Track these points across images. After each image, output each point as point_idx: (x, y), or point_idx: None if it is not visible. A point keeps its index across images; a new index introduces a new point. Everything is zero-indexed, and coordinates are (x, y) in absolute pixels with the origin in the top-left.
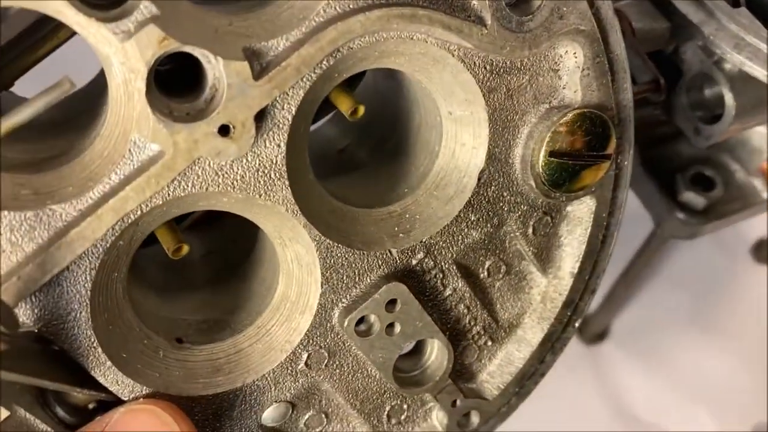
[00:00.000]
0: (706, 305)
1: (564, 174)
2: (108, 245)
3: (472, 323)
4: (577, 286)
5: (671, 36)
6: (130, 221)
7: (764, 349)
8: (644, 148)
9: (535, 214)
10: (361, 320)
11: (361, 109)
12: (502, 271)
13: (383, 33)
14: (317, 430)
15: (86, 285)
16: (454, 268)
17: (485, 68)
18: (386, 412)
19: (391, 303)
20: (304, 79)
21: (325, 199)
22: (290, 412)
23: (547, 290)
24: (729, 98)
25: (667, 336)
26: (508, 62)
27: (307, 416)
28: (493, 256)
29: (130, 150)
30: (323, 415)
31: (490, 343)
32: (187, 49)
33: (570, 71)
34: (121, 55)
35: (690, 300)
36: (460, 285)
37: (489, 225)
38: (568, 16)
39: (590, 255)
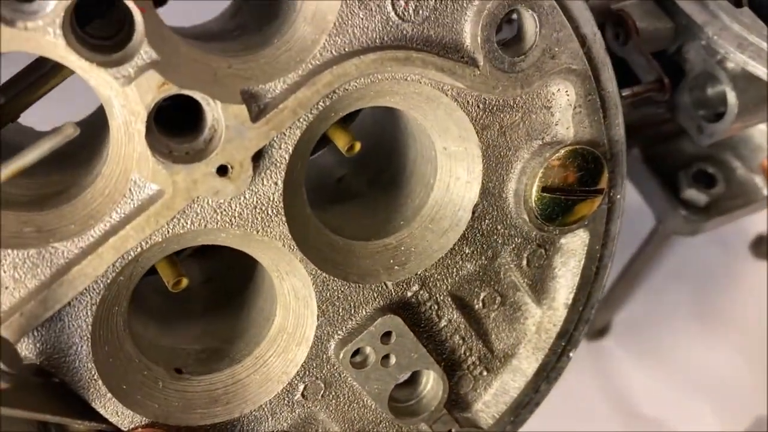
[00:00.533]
0: (706, 301)
1: (557, 209)
2: (109, 281)
3: (468, 354)
4: (571, 317)
5: (675, 36)
6: (130, 258)
7: (764, 344)
8: (647, 145)
9: (529, 246)
10: (356, 352)
11: (357, 146)
12: (497, 302)
13: (378, 75)
14: None
15: (87, 320)
16: (449, 299)
17: (478, 106)
18: None
19: (387, 335)
20: (301, 120)
21: (322, 232)
22: None
23: (542, 321)
24: (732, 97)
25: (667, 331)
26: (500, 100)
27: None
28: (488, 288)
29: (130, 189)
30: None
31: (485, 373)
32: (186, 92)
33: (562, 109)
34: (121, 98)
35: (690, 295)
36: (455, 316)
37: (483, 257)
38: (559, 56)
39: (584, 287)
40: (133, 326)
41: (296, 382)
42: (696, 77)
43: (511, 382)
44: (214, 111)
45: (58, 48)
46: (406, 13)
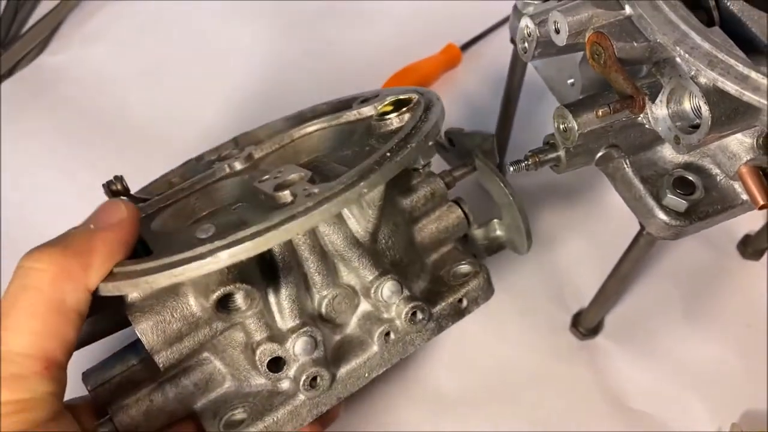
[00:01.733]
0: (697, 299)
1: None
2: None
3: None
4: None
5: (650, 53)
6: None
7: (752, 340)
8: (631, 153)
9: None
10: None
11: None
12: None
13: None
14: None
15: None
16: None
17: None
18: None
19: None
20: None
21: None
22: None
23: None
24: (705, 110)
25: (659, 329)
26: None
27: None
28: None
29: None
30: None
31: None
32: None
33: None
34: None
35: (681, 294)
36: None
37: None
38: None
39: None
40: None
41: None
42: (672, 91)
43: None
44: None
45: None
46: None
